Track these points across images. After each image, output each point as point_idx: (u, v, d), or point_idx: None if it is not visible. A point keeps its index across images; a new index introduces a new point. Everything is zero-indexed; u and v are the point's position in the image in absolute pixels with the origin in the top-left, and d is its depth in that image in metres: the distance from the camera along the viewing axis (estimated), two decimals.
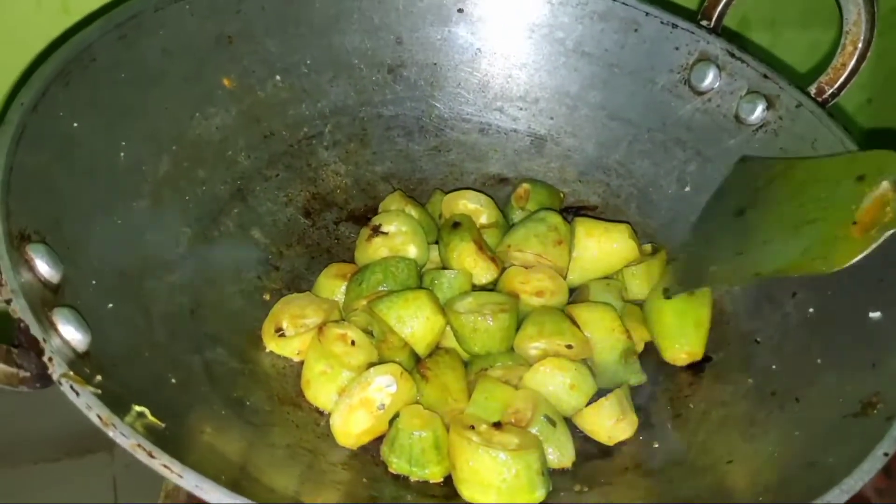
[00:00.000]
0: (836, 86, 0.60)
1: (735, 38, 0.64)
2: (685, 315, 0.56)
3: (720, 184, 0.61)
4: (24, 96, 0.46)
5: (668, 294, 0.56)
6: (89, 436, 0.97)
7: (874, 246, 0.45)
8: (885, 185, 0.47)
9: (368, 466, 0.49)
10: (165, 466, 0.33)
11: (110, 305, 0.45)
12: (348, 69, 0.66)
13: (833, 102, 0.60)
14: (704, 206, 0.61)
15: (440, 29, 0.67)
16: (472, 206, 0.63)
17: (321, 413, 0.51)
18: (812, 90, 0.60)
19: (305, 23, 0.63)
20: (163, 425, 0.39)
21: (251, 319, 0.55)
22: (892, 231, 0.45)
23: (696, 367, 0.56)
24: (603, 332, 0.54)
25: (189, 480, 0.33)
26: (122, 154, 0.52)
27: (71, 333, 0.39)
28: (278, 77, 0.63)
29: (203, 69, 0.59)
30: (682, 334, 0.56)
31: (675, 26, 0.64)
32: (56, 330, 0.38)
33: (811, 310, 0.53)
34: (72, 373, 0.35)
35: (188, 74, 0.58)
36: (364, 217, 0.64)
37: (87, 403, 0.34)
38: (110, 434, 0.34)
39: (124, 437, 0.34)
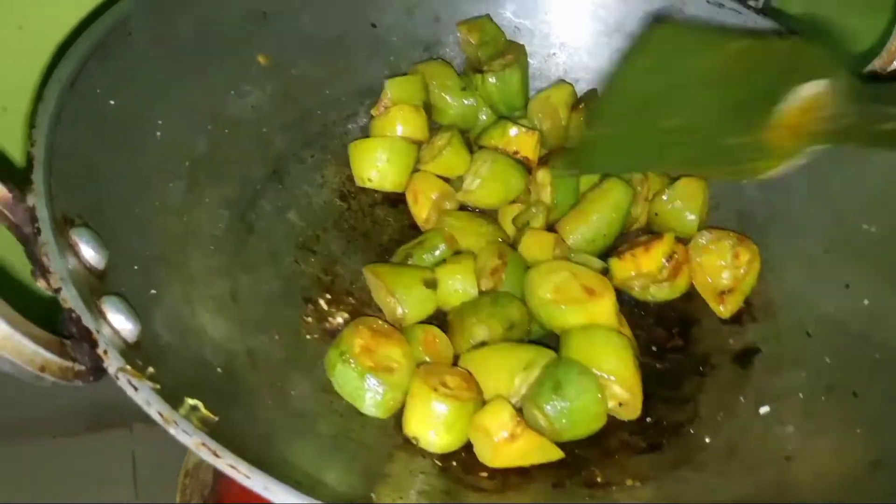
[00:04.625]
0: (890, 69, 0.58)
1: (783, 19, 0.62)
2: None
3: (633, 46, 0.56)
4: (61, 72, 0.45)
5: (553, 172, 0.54)
6: (109, 411, 0.98)
7: (798, 161, 0.40)
8: (815, 86, 0.41)
9: (416, 458, 0.47)
10: (232, 466, 0.32)
11: (153, 292, 0.44)
12: (385, 47, 0.64)
13: None
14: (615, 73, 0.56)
15: (478, 6, 0.66)
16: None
17: None
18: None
19: None
20: (216, 418, 0.37)
21: (290, 305, 0.54)
22: (819, 146, 0.40)
23: (743, 359, 0.55)
24: None
25: (257, 482, 0.32)
26: (158, 133, 0.50)
27: (121, 323, 0.37)
28: (313, 54, 0.61)
29: (238, 45, 0.57)
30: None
31: (721, 6, 0.63)
32: (106, 319, 0.37)
33: (865, 301, 0.52)
34: (129, 367, 0.34)
35: (223, 50, 0.56)
36: (400, 200, 0.62)
37: (146, 399, 0.33)
38: (171, 432, 0.32)
39: (187, 434, 0.32)
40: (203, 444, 0.32)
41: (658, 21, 0.56)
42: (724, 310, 0.57)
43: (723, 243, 0.57)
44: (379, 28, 0.63)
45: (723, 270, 0.57)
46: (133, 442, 0.99)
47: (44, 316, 0.37)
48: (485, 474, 0.48)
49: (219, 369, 0.44)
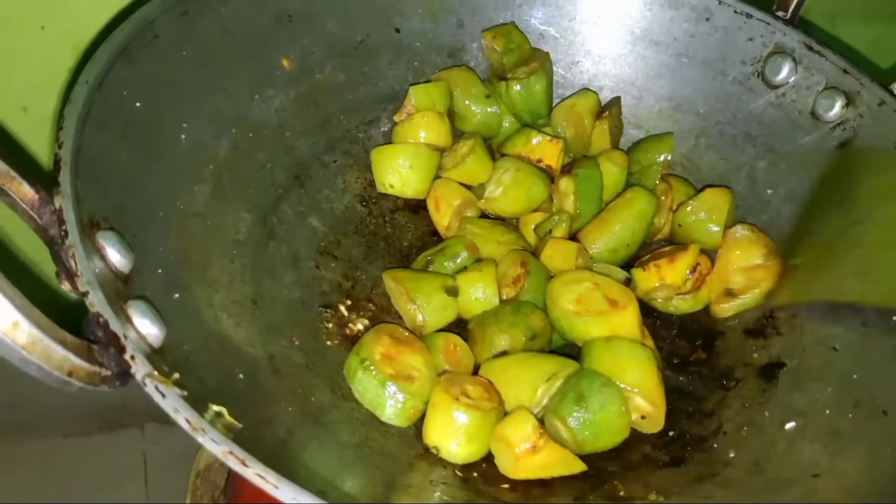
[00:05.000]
0: None
1: (812, 31, 0.62)
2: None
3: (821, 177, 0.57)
4: (89, 74, 0.44)
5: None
6: (121, 411, 0.97)
7: None
8: None
9: (437, 468, 0.47)
10: (260, 476, 0.31)
11: (176, 296, 0.43)
12: (408, 52, 0.64)
13: None
14: (810, 201, 0.57)
15: (503, 13, 0.65)
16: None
17: None
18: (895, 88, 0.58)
19: (366, 3, 0.61)
20: (240, 425, 0.37)
21: (311, 310, 0.53)
22: None
23: (768, 373, 0.54)
24: None
25: (285, 493, 0.31)
26: (183, 136, 0.50)
27: (147, 327, 0.37)
28: (337, 59, 0.61)
29: (263, 49, 0.57)
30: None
31: (749, 16, 0.62)
32: (132, 324, 0.36)
33: (894, 317, 0.51)
34: (156, 373, 0.33)
35: (248, 54, 0.56)
36: (421, 207, 0.62)
37: (174, 406, 0.33)
38: (199, 440, 0.32)
39: (215, 443, 0.32)
40: (231, 453, 0.32)
41: (843, 147, 0.57)
42: (718, 309, 0.57)
43: (754, 248, 0.57)
44: (403, 33, 0.63)
45: (739, 272, 0.57)
46: (144, 442, 0.99)
47: (61, 316, 0.37)
48: (506, 486, 0.47)
49: (240, 375, 0.44)
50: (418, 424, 0.49)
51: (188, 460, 0.77)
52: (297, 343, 0.50)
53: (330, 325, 0.53)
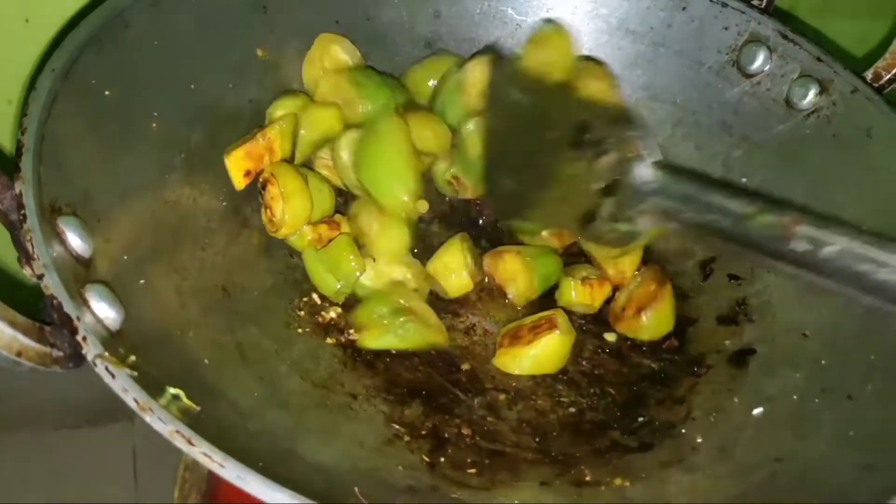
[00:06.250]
0: (894, 71, 0.57)
1: (787, 20, 0.62)
2: None
3: None
4: (55, 62, 0.45)
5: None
6: (111, 404, 0.97)
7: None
8: None
9: (403, 453, 0.47)
10: (206, 455, 0.32)
11: (142, 281, 0.44)
12: (384, 42, 0.64)
13: (890, 89, 0.58)
14: None
15: (480, 2, 0.65)
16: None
17: (354, 396, 0.50)
18: (868, 75, 0.58)
19: None
20: (198, 408, 0.37)
21: (282, 298, 0.54)
22: None
23: (738, 360, 0.54)
24: None
25: (231, 470, 0.31)
26: (154, 125, 0.50)
27: (104, 311, 0.37)
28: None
29: (237, 38, 0.57)
30: None
31: (724, 5, 0.62)
32: (89, 307, 0.37)
33: (864, 305, 0.51)
34: (107, 353, 0.34)
35: (222, 43, 0.56)
36: None
37: (123, 386, 0.33)
38: (147, 419, 0.32)
39: (162, 422, 0.32)
40: (177, 432, 0.32)
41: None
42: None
43: None
44: (378, 23, 0.63)
45: None
46: (134, 435, 0.99)
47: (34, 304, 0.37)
48: (472, 471, 0.47)
49: (206, 360, 0.44)
50: (383, 409, 0.49)
51: (178, 453, 0.77)
52: (267, 331, 0.50)
53: (302, 312, 0.54)
